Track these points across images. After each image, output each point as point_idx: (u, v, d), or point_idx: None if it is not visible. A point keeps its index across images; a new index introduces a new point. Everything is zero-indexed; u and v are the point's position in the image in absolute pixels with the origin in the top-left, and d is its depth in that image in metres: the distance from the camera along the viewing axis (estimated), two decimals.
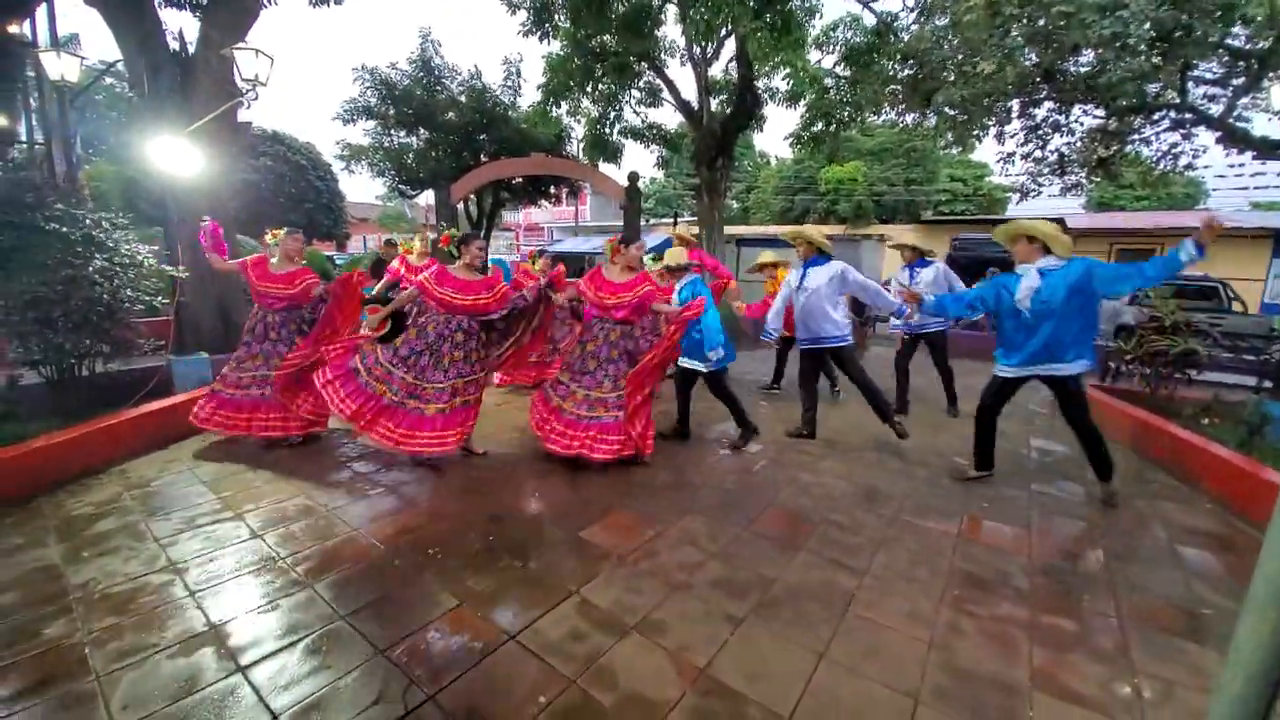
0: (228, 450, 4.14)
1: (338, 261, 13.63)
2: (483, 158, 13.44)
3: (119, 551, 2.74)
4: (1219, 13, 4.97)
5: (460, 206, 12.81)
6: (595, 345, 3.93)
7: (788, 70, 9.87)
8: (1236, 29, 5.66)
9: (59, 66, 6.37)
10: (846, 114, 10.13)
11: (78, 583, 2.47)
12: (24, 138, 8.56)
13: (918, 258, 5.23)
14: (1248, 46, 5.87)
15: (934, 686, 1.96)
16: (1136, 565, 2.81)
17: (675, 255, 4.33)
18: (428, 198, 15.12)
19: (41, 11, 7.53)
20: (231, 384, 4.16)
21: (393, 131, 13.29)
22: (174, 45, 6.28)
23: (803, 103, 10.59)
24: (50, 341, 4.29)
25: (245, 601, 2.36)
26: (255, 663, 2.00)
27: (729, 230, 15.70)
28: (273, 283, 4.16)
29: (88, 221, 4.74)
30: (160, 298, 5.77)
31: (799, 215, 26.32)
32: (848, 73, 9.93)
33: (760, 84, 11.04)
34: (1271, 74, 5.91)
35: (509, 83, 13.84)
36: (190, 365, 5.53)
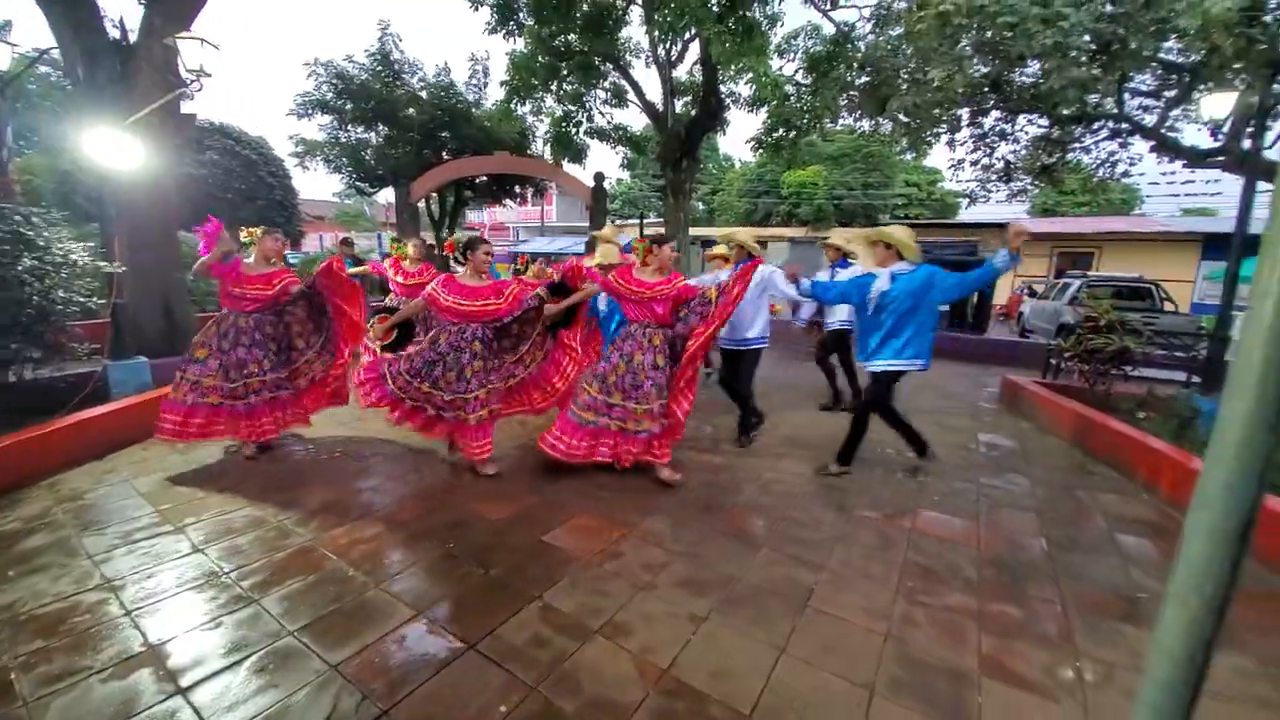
0: (168, 460, 3.93)
1: (292, 261, 13.11)
2: (445, 155, 13.18)
3: (49, 569, 2.56)
4: (1153, 26, 5.28)
5: (421, 205, 12.53)
6: (642, 354, 3.60)
7: (750, 75, 10.02)
8: (1170, 43, 6.02)
9: None
10: (807, 120, 10.35)
11: (3, 604, 2.31)
12: None
13: (840, 258, 5.34)
14: (1180, 60, 6.25)
15: (889, 677, 2.02)
16: (1078, 554, 2.95)
17: (606, 253, 4.37)
18: (387, 195, 14.73)
19: None
20: (223, 394, 3.81)
21: (350, 127, 12.89)
22: (114, 33, 5.94)
23: (765, 108, 10.75)
24: None
25: (186, 620, 2.24)
26: (197, 683, 1.91)
27: (695, 231, 15.84)
28: (249, 284, 3.85)
29: (16, 218, 4.44)
30: (96, 298, 5.46)
31: (763, 217, 26.77)
32: (808, 80, 10.15)
33: (724, 88, 11.17)
34: (1201, 87, 6.31)
35: (474, 80, 13.62)
36: (129, 370, 5.23)
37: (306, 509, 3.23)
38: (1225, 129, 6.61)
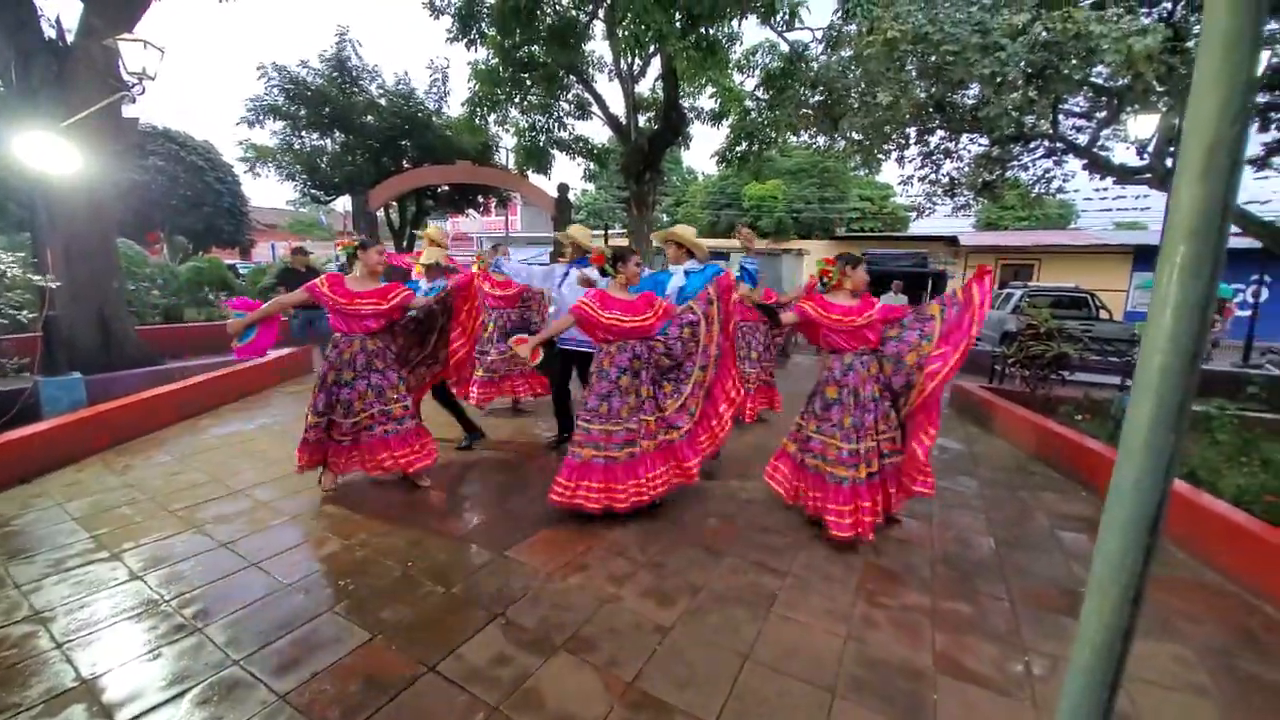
0: (105, 481, 3.71)
1: (241, 270, 12.61)
2: (405, 164, 12.95)
3: None
4: (1083, 54, 5.67)
5: (380, 214, 12.25)
6: (873, 386, 3.17)
7: (714, 90, 10.23)
8: (1100, 68, 6.46)
9: None
10: (768, 134, 10.64)
11: None
12: None
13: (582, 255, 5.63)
14: (1109, 84, 6.71)
15: (850, 678, 2.06)
16: (1023, 551, 3.09)
17: (431, 255, 4.44)
18: (344, 204, 14.35)
19: None
20: (346, 431, 3.53)
21: (304, 133, 12.52)
22: (50, 33, 5.64)
23: (727, 122, 11.00)
24: None
25: (123, 651, 2.11)
26: (135, 719, 1.80)
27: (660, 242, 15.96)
28: (364, 299, 3.46)
29: None
30: (26, 311, 5.13)
31: (726, 229, 27.23)
32: (766, 96, 10.44)
33: (686, 103, 11.38)
34: (1128, 109, 6.78)
35: (434, 89, 13.46)
36: (62, 387, 4.92)
37: (253, 530, 3.09)
38: (1150, 148, 7.11)
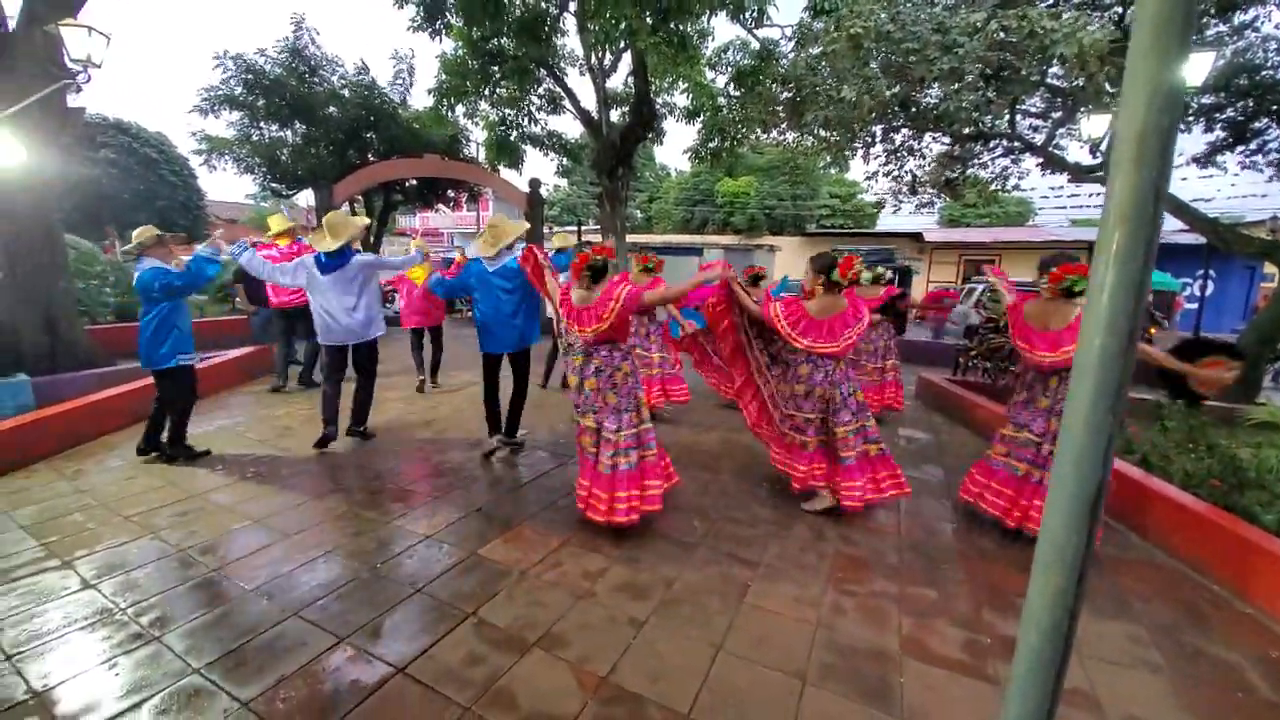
0: (54, 488, 3.54)
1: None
2: (371, 157, 12.62)
3: None
4: (1038, 54, 5.85)
5: (345, 208, 11.93)
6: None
7: (686, 86, 10.24)
8: (1055, 69, 6.68)
9: None
10: (739, 131, 10.71)
11: None
12: None
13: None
14: (1064, 85, 6.94)
15: (820, 665, 2.10)
16: (986, 537, 3.18)
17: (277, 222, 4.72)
18: (308, 198, 13.93)
19: None
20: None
21: (262, 124, 12.06)
22: None
23: (700, 119, 11.02)
24: None
25: (76, 662, 2.02)
26: None
27: (633, 238, 15.96)
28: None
29: None
30: None
31: (699, 225, 27.35)
32: (738, 92, 10.50)
33: (659, 100, 11.36)
34: (1082, 109, 7.03)
35: (399, 80, 13.14)
36: (7, 389, 4.69)
37: (213, 535, 2.99)
38: (1103, 147, 7.39)
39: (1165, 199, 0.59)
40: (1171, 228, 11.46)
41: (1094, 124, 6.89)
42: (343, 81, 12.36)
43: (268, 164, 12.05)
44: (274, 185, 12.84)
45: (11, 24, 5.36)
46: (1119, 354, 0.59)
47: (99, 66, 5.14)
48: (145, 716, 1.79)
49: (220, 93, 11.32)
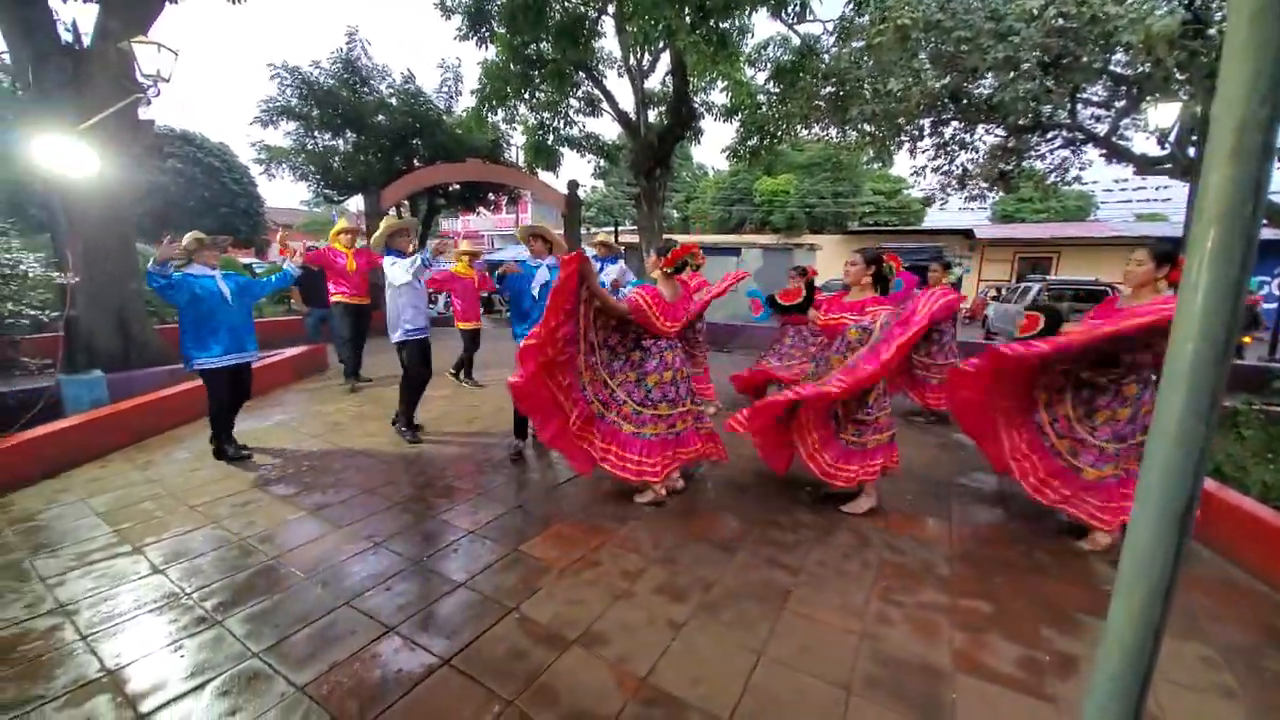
0: (127, 477, 3.78)
1: (257, 269, 12.77)
2: (416, 163, 13.01)
3: None
4: (1100, 40, 5.55)
5: (391, 212, 12.34)
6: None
7: (725, 84, 10.17)
8: (1119, 55, 6.33)
9: None
10: (779, 128, 10.56)
11: None
12: None
13: (610, 254, 5.91)
14: (1128, 73, 6.56)
15: (865, 676, 2.04)
16: (1042, 549, 3.03)
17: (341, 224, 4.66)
18: (357, 203, 14.47)
19: None
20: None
21: (316, 134, 12.63)
22: (66, 36, 5.74)
23: (738, 117, 10.92)
24: None
25: (145, 643, 2.15)
26: (157, 709, 1.83)
27: (670, 238, 15.92)
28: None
29: None
30: (48, 310, 5.24)
31: (736, 224, 27.11)
32: (778, 89, 10.35)
33: (697, 99, 11.30)
34: (1149, 98, 6.62)
35: (445, 88, 13.51)
36: (83, 385, 5.03)
37: (271, 525, 3.13)
38: (1171, 137, 6.94)
39: (1265, 196, 0.54)
40: None
41: (1162, 113, 6.48)
42: (391, 90, 12.79)
43: (321, 171, 12.60)
44: (327, 192, 13.40)
45: (86, 40, 5.76)
46: (1213, 361, 0.55)
47: (168, 81, 5.47)
48: (208, 697, 1.89)
49: (278, 104, 11.90)
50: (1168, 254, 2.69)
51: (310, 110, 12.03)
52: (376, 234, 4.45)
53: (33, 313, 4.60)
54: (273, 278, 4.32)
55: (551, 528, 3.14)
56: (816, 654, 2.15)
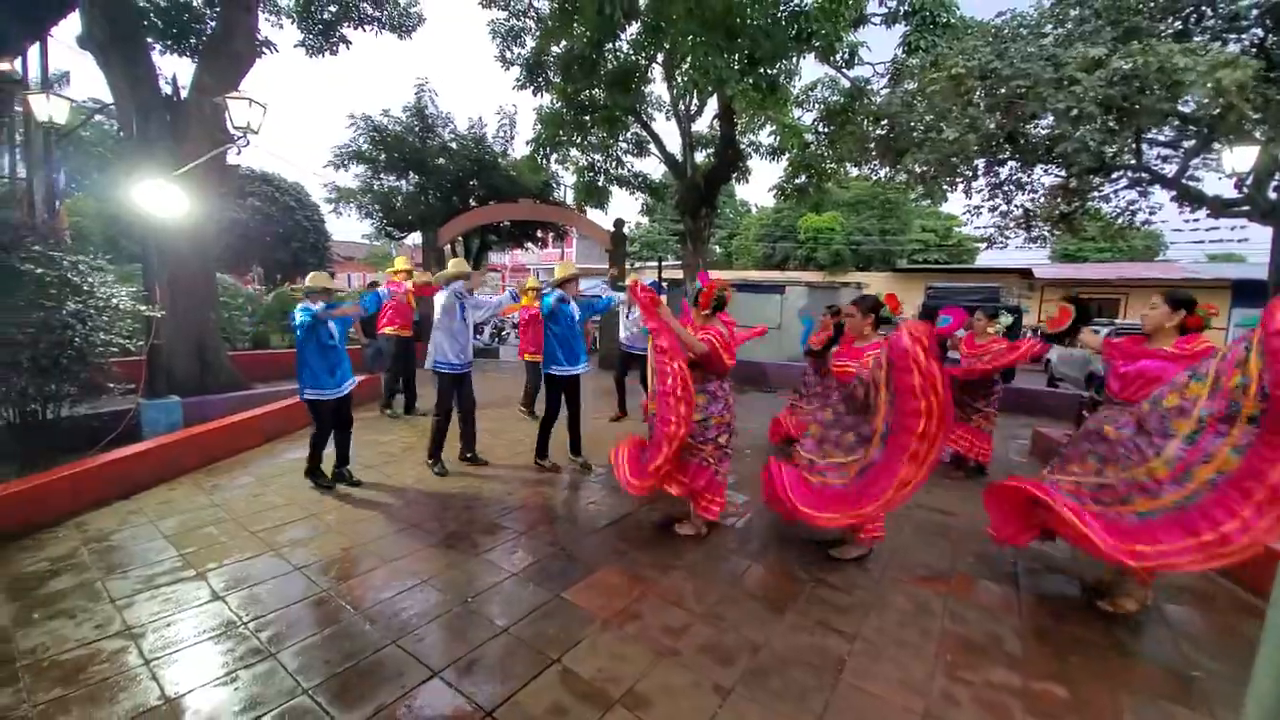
0: (195, 500, 3.97)
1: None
2: (472, 202, 13.65)
3: (72, 613, 2.58)
4: (1168, 86, 5.34)
5: (446, 248, 12.92)
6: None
7: (772, 126, 10.31)
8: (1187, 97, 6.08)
9: (47, 109, 6.40)
10: (827, 167, 10.57)
11: (26, 648, 2.31)
12: (5, 172, 8.51)
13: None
14: (1198, 114, 6.28)
15: None
16: (1122, 626, 2.78)
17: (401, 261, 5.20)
18: (414, 238, 15.24)
19: (34, 50, 7.61)
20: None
21: (382, 175, 13.50)
22: (166, 90, 6.37)
23: (785, 156, 11.02)
24: (13, 385, 4.15)
25: (203, 673, 2.21)
26: None
27: (713, 274, 15.98)
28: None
29: (65, 263, 4.67)
30: (135, 339, 5.64)
31: (779, 261, 27.02)
32: (826, 129, 10.41)
33: (744, 139, 11.49)
34: (1221, 139, 6.31)
35: (501, 132, 14.24)
36: (162, 409, 5.36)
37: (325, 557, 3.21)
38: (1249, 181, 6.57)
39: None
40: None
41: (1238, 156, 6.16)
42: (453, 136, 13.58)
43: (384, 210, 13.40)
44: (389, 229, 14.19)
45: (184, 93, 6.36)
46: None
47: (256, 132, 5.95)
48: None
49: (350, 149, 12.80)
50: (1181, 300, 2.93)
51: (379, 154, 12.87)
52: (445, 272, 4.71)
53: (121, 341, 4.97)
54: (363, 303, 4.62)
55: (595, 574, 3.10)
56: None
